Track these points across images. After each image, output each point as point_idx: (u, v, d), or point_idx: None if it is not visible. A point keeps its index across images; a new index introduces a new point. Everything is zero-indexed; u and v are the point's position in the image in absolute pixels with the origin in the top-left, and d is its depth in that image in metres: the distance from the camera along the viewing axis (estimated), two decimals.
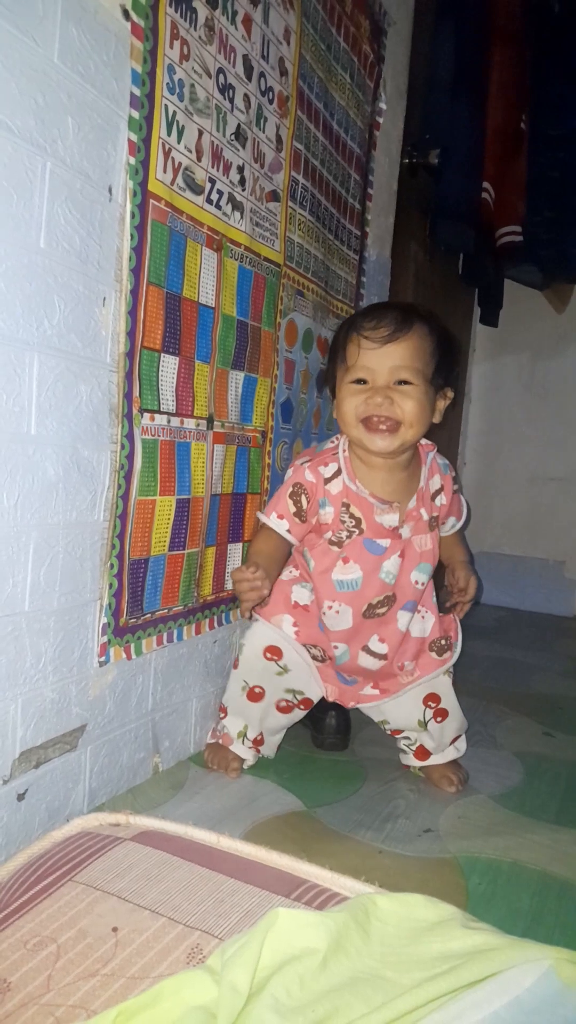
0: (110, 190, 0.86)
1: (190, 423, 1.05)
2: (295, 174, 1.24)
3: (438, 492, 1.09)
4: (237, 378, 1.15)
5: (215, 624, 1.17)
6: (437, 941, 0.58)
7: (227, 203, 1.07)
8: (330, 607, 1.05)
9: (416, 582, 1.07)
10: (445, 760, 1.13)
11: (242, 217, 1.11)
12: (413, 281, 1.90)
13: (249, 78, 1.09)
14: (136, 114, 0.88)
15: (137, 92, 0.88)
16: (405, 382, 0.98)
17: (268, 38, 1.12)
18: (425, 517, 1.06)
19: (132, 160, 0.89)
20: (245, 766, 1.11)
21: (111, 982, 0.54)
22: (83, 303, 0.84)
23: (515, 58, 1.93)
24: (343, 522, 1.04)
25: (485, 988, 0.54)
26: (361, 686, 1.12)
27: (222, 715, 1.13)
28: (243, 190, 1.11)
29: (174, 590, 1.06)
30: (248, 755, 1.11)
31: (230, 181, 1.07)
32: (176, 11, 0.93)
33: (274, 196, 1.19)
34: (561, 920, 0.82)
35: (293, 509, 1.04)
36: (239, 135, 1.08)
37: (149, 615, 1.01)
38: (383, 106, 1.55)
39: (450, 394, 1.06)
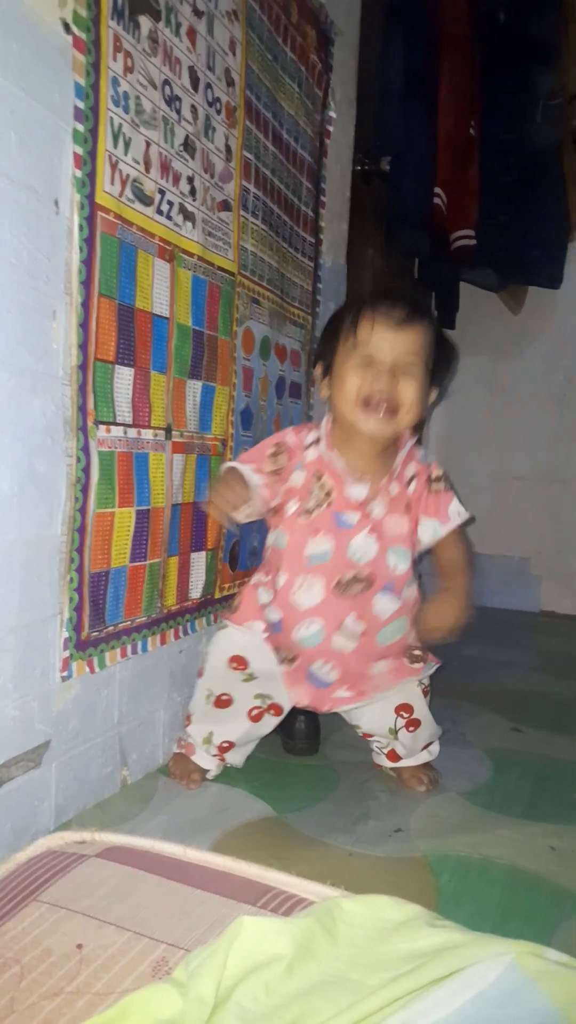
0: (56, 204, 0.86)
1: (147, 434, 1.05)
2: (246, 183, 1.25)
3: (412, 479, 1.08)
4: (195, 387, 1.15)
5: (180, 634, 1.17)
6: (403, 941, 0.59)
7: (178, 213, 1.08)
8: (301, 583, 1.04)
9: (393, 566, 1.05)
10: (417, 763, 1.14)
11: (194, 227, 1.12)
12: (370, 287, 1.92)
13: (196, 89, 1.09)
14: (81, 127, 0.88)
15: (81, 105, 0.88)
16: (411, 367, 1.00)
17: (213, 49, 1.13)
18: (395, 493, 1.05)
19: (78, 173, 0.88)
20: (209, 776, 1.11)
21: (75, 1000, 0.53)
22: (33, 317, 0.84)
23: (463, 65, 1.96)
24: (312, 492, 1.04)
25: (450, 984, 0.54)
26: (334, 688, 1.10)
27: (187, 723, 1.12)
28: (194, 200, 1.11)
29: (137, 601, 1.06)
30: (211, 764, 1.10)
31: (180, 192, 1.08)
32: (118, 24, 0.93)
33: (225, 206, 1.20)
34: (530, 914, 0.83)
35: (271, 467, 1.05)
36: (187, 146, 1.08)
37: (112, 627, 1.01)
38: (333, 114, 1.57)
39: (436, 394, 1.08)
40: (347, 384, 1.00)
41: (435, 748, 1.16)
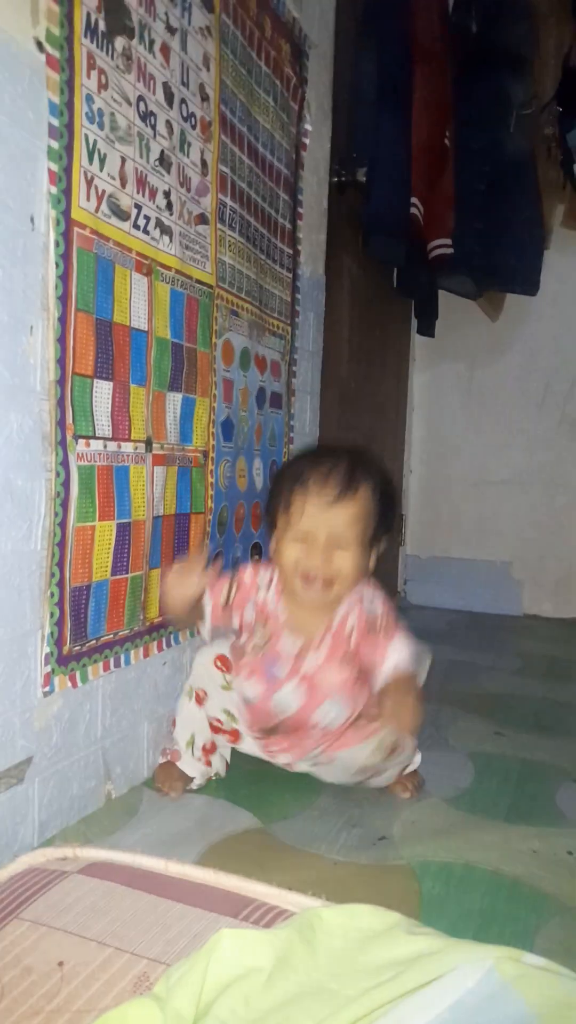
0: (32, 220, 0.86)
1: (127, 447, 1.05)
2: (222, 197, 1.26)
3: (352, 629, 1.04)
4: (175, 399, 1.16)
5: (164, 646, 1.17)
6: (382, 949, 0.59)
7: (155, 228, 1.08)
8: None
9: (326, 720, 1.04)
10: (402, 773, 1.15)
11: (171, 241, 1.12)
12: (348, 296, 1.93)
13: (170, 105, 1.10)
14: (55, 144, 0.89)
15: (55, 122, 0.88)
16: (346, 541, 0.99)
17: (187, 65, 1.14)
18: (329, 645, 1.04)
19: (53, 190, 0.89)
20: (194, 785, 1.11)
21: (56, 1018, 0.53)
22: (9, 333, 0.84)
23: (437, 76, 1.98)
24: (255, 634, 1.06)
25: (429, 991, 0.55)
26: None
27: (172, 727, 1.13)
28: (171, 214, 1.12)
29: (119, 614, 1.06)
30: (196, 771, 1.10)
31: (157, 206, 1.08)
32: (92, 41, 0.94)
33: (203, 219, 1.21)
34: (511, 918, 0.84)
35: (222, 599, 1.06)
36: (163, 161, 1.09)
37: (94, 641, 1.01)
38: (308, 126, 1.58)
39: (384, 544, 1.06)
40: (284, 556, 1.02)
41: (417, 759, 1.16)
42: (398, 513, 1.09)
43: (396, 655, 1.02)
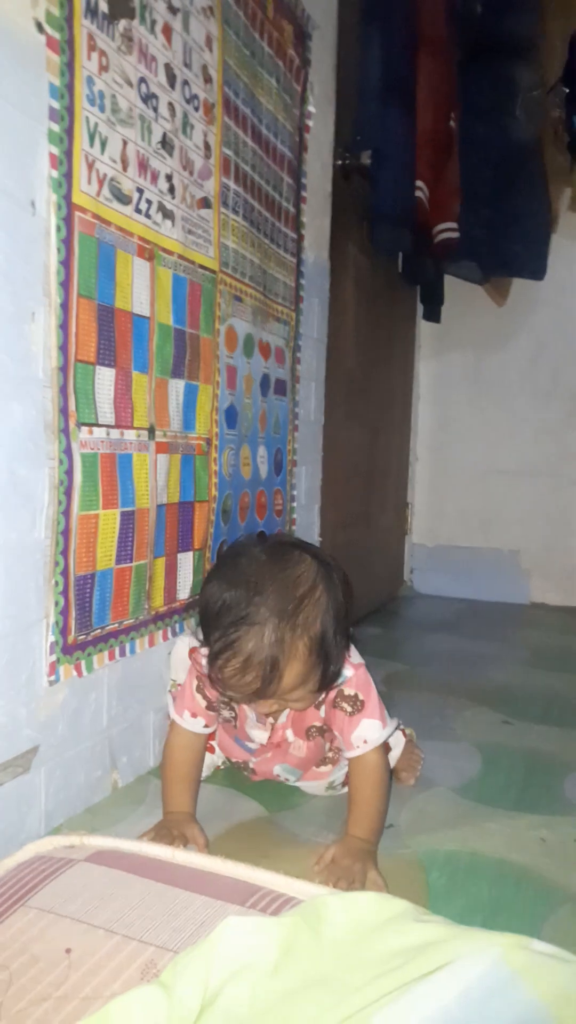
0: (33, 205, 0.85)
1: (130, 434, 1.04)
2: (226, 180, 1.24)
3: (321, 702, 0.95)
4: (178, 386, 1.15)
5: (169, 635, 1.17)
6: (389, 937, 0.59)
7: (157, 212, 1.07)
8: None
9: (278, 775, 1.04)
10: (395, 759, 1.13)
11: (173, 225, 1.11)
12: (353, 283, 1.92)
13: (172, 86, 1.09)
14: (56, 127, 0.87)
15: (56, 105, 0.87)
16: (294, 694, 0.87)
17: (189, 46, 1.12)
18: (293, 729, 0.98)
19: (55, 173, 0.88)
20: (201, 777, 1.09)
21: (63, 1005, 0.53)
22: (10, 320, 0.83)
23: (442, 60, 1.95)
24: (220, 710, 0.98)
25: (435, 979, 0.54)
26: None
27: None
28: (173, 198, 1.10)
29: (124, 603, 1.05)
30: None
31: (159, 190, 1.07)
32: (92, 22, 0.92)
33: (205, 203, 1.19)
34: (519, 907, 0.84)
35: (204, 703, 0.96)
36: (165, 143, 1.08)
37: (99, 630, 1.00)
38: (312, 109, 1.57)
39: (347, 635, 0.91)
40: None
41: (399, 739, 1.13)
42: (348, 633, 0.91)
43: (365, 730, 0.92)
